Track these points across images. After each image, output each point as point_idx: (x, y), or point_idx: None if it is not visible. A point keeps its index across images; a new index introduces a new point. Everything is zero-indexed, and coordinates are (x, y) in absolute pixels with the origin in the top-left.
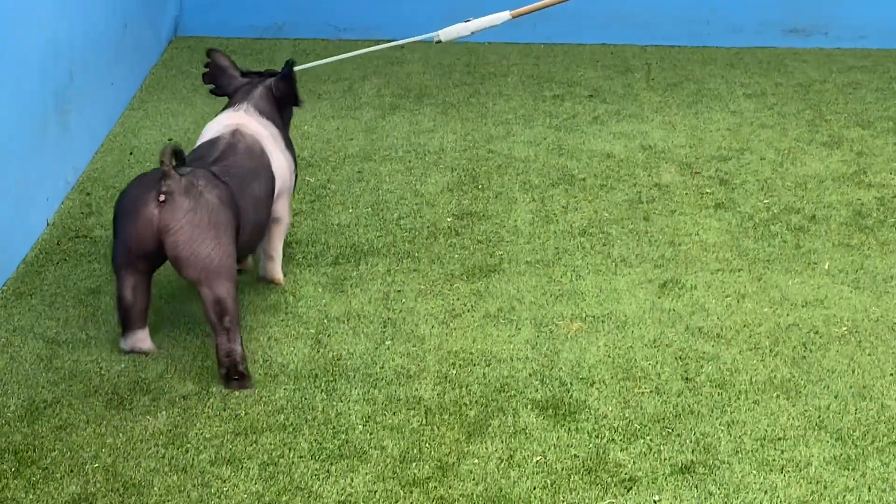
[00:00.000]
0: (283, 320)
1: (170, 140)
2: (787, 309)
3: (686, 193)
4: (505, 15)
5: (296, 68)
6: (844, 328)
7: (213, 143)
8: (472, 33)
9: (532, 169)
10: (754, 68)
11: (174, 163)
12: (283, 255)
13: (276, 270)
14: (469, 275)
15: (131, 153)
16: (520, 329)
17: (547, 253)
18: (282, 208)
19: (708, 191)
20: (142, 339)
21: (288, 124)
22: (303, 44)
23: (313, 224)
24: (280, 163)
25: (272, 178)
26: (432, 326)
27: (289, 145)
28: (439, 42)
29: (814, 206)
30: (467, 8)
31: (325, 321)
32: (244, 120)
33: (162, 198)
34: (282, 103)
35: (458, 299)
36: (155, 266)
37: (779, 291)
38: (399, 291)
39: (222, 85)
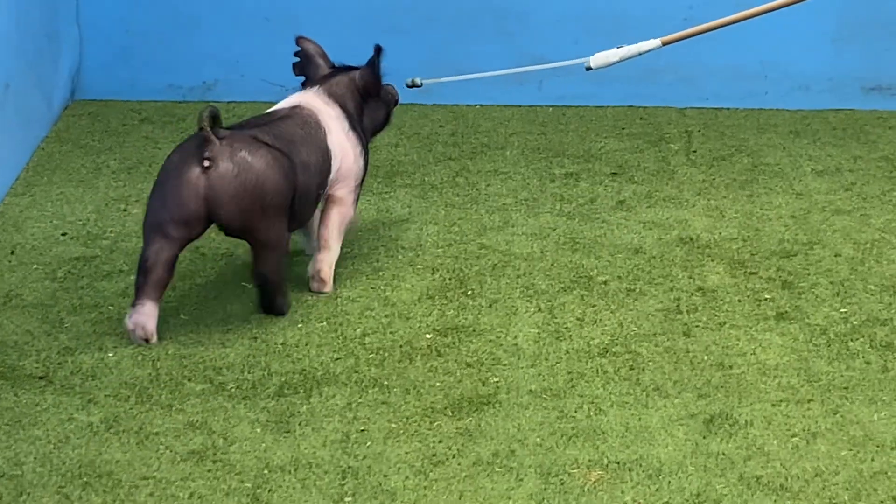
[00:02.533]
0: (209, 470)
1: (208, 107)
2: (872, 452)
3: (739, 300)
4: (655, 42)
5: (425, 82)
6: None
7: (267, 113)
8: (622, 60)
9: (537, 269)
10: (826, 137)
11: (213, 127)
12: (213, 383)
13: (327, 267)
14: (455, 409)
15: (13, 252)
16: (521, 480)
17: (557, 379)
18: (343, 191)
19: (767, 297)
20: (149, 314)
21: (376, 126)
22: (238, 108)
23: (250, 343)
24: (341, 141)
25: (327, 152)
26: (406, 478)
27: (361, 140)
28: (589, 69)
29: None
30: (419, 68)
31: (266, 471)
32: (308, 98)
33: (206, 164)
34: (365, 95)
35: (440, 441)
36: (188, 238)
37: (861, 429)
38: (363, 431)
39: (309, 75)
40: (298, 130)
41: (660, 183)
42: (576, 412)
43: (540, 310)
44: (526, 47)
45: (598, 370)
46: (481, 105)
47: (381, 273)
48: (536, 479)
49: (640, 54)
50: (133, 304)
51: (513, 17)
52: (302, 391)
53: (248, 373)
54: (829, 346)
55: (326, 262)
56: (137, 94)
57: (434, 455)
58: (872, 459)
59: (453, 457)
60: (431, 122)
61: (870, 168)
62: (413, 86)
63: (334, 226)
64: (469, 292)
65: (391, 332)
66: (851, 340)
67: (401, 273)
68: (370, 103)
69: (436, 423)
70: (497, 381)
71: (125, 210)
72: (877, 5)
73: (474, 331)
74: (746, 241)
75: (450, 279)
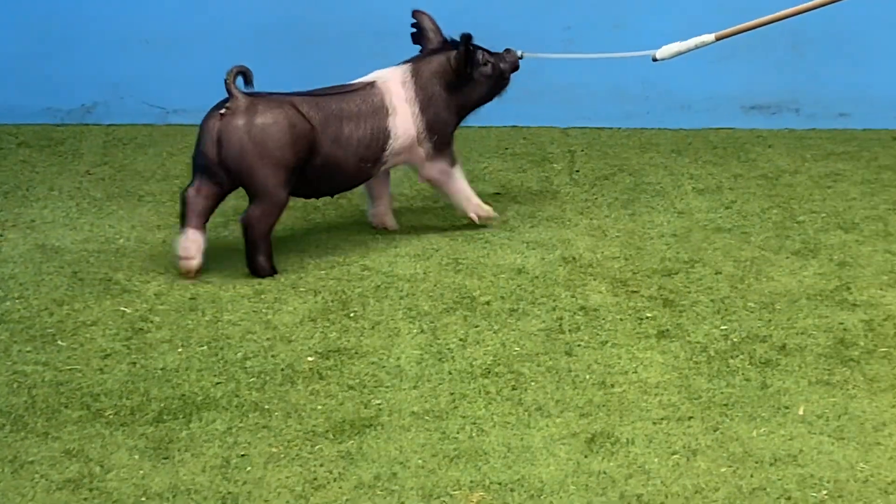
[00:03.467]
0: (86, 499)
1: (236, 66)
2: (751, 468)
3: (621, 319)
4: (710, 37)
5: (525, 55)
6: (825, 492)
7: (339, 84)
8: (680, 53)
9: (420, 290)
10: (707, 156)
11: (235, 83)
12: (91, 410)
13: (470, 212)
14: (336, 432)
15: None
16: (403, 503)
17: (439, 401)
18: (423, 156)
19: (648, 315)
20: (193, 239)
21: (477, 100)
22: (119, 130)
23: (129, 369)
24: (406, 121)
25: (384, 130)
26: (287, 502)
27: (429, 121)
28: (655, 60)
29: (784, 333)
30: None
31: (144, 499)
32: (388, 76)
33: (223, 111)
34: (459, 75)
35: (321, 465)
36: (221, 181)
37: (740, 445)
38: (243, 456)
39: (422, 48)
40: (352, 106)
41: (543, 203)
42: (458, 433)
43: (423, 331)
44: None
45: (480, 391)
46: None
47: (262, 296)
48: (418, 501)
49: (696, 48)
50: (179, 233)
51: (392, 36)
52: (181, 416)
53: (127, 399)
54: (710, 363)
55: (469, 208)
56: (14, 117)
57: (315, 479)
58: (751, 475)
59: (334, 480)
60: None
61: (749, 186)
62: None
63: (454, 188)
64: (352, 314)
65: (273, 356)
66: (731, 357)
67: (283, 296)
68: (470, 80)
69: (317, 447)
70: (379, 404)
71: (1, 235)
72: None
73: (357, 353)
74: (628, 259)
75: (332, 301)
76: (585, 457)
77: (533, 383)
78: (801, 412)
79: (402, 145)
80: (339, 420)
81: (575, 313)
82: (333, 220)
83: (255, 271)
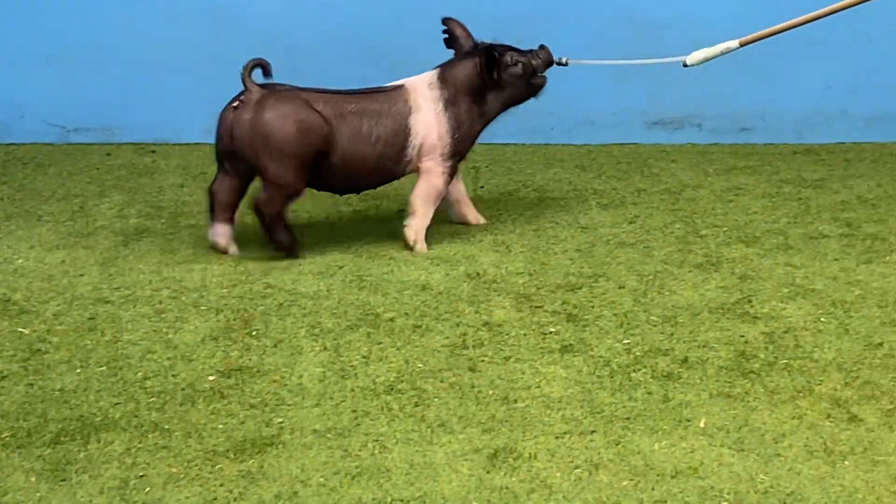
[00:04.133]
0: None
1: (252, 59)
2: (653, 481)
3: (524, 334)
4: (734, 43)
5: (571, 62)
6: (725, 503)
7: (368, 87)
8: (707, 59)
9: (324, 308)
10: (611, 171)
11: (251, 75)
12: None
13: (411, 231)
14: (238, 451)
15: None
16: None
17: (342, 418)
18: (430, 163)
19: (552, 330)
20: (220, 232)
21: (509, 100)
22: (18, 150)
23: (26, 391)
24: (427, 119)
25: (405, 128)
26: None
27: (456, 120)
28: (686, 66)
29: (686, 347)
30: (206, 107)
31: None
32: (417, 79)
33: (236, 104)
34: (488, 78)
35: (221, 485)
36: (236, 169)
37: (642, 458)
38: (142, 477)
39: (455, 53)
40: (375, 105)
41: (446, 218)
42: (360, 451)
43: (325, 348)
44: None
45: (383, 407)
46: None
47: (163, 315)
48: None
49: (722, 53)
50: (209, 226)
51: (298, 54)
52: (79, 438)
53: (24, 420)
54: (612, 377)
55: (412, 226)
56: None
57: (215, 499)
58: (653, 489)
59: (235, 500)
60: None
61: (653, 201)
62: (560, 63)
63: (421, 193)
64: (254, 332)
65: (173, 375)
66: (634, 371)
67: (184, 314)
68: (497, 83)
69: (218, 466)
70: (281, 422)
71: None
72: (658, 43)
73: (258, 371)
74: (532, 274)
75: (234, 319)
76: (488, 472)
77: (436, 399)
78: (702, 424)
79: (424, 144)
80: (240, 439)
81: (479, 329)
82: (237, 238)
83: (279, 248)
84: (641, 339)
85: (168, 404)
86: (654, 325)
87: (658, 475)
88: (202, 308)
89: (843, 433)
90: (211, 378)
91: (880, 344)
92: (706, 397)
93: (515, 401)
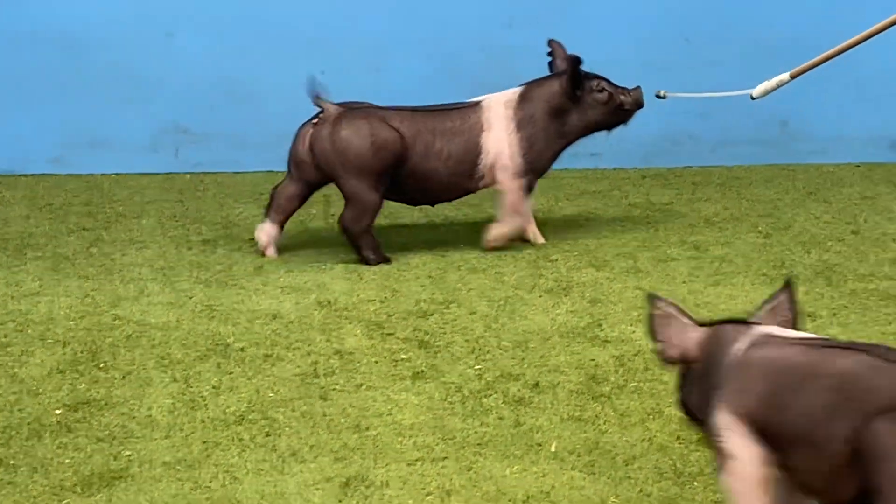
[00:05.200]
0: None
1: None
2: None
3: (376, 362)
4: (785, 76)
5: (668, 95)
6: None
7: (448, 103)
8: (766, 93)
9: (173, 339)
10: (465, 198)
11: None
12: None
13: (491, 235)
14: (85, 485)
15: None
16: None
17: (192, 449)
18: (506, 183)
19: (404, 357)
20: (267, 231)
21: (589, 124)
22: None
23: None
24: (499, 138)
25: (476, 145)
26: None
27: (528, 139)
28: (753, 99)
29: (537, 371)
30: (55, 136)
31: None
32: (496, 97)
33: (315, 121)
34: (570, 98)
35: None
36: (305, 178)
37: (494, 484)
38: None
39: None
40: (448, 123)
41: (298, 247)
42: (210, 482)
43: (175, 379)
44: (162, 113)
45: (234, 438)
46: (117, 174)
47: (9, 349)
48: None
49: (777, 86)
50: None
51: (148, 83)
52: None
53: None
54: (464, 403)
55: (493, 230)
56: None
57: None
58: None
59: None
60: (65, 192)
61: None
62: (658, 97)
63: (504, 207)
64: (102, 365)
65: (19, 410)
66: (485, 397)
67: (30, 348)
68: (581, 103)
69: (65, 501)
70: (129, 455)
71: None
72: (508, 68)
73: (107, 404)
74: (384, 302)
75: (82, 352)
76: (340, 501)
77: (287, 429)
78: (553, 448)
79: (497, 162)
80: (88, 473)
81: (330, 357)
82: (84, 271)
83: (366, 262)
84: (493, 365)
85: (13, 439)
86: (506, 351)
87: (510, 500)
88: (48, 341)
89: (692, 454)
90: (58, 412)
91: None
92: (557, 421)
93: (367, 428)
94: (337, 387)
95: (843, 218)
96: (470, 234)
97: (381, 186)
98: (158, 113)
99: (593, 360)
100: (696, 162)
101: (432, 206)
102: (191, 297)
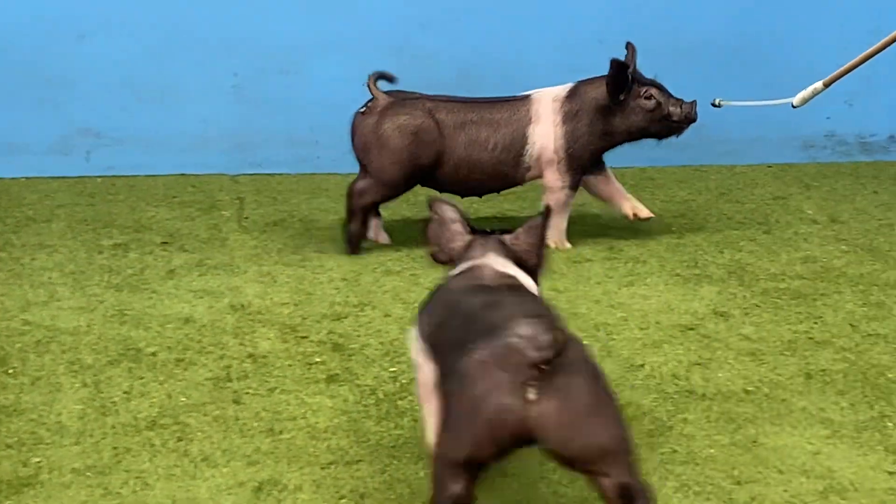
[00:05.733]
0: None
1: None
2: None
3: (290, 365)
4: (819, 85)
5: (724, 104)
6: None
7: (498, 97)
8: (810, 98)
9: (84, 344)
10: None
11: (376, 84)
12: None
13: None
14: None
15: None
16: None
17: (102, 455)
18: (550, 178)
19: (318, 360)
20: (374, 227)
21: (631, 129)
22: None
23: None
24: (545, 131)
25: (522, 137)
26: None
27: (573, 134)
28: (794, 108)
29: None
30: None
31: None
32: (547, 91)
33: (364, 109)
34: (614, 99)
35: None
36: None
37: (408, 487)
38: None
39: None
40: (496, 114)
41: (211, 250)
42: (121, 488)
43: (85, 385)
44: (73, 116)
45: (145, 443)
46: (26, 178)
47: None
48: None
49: (813, 95)
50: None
51: (59, 86)
52: None
53: None
54: (379, 406)
55: (551, 236)
56: None
57: None
58: None
59: None
60: None
61: (419, 228)
62: (714, 105)
63: (553, 210)
64: (10, 371)
65: None
66: (400, 399)
67: None
68: (625, 107)
69: None
70: (39, 462)
71: None
72: (425, 71)
73: (15, 410)
74: (298, 305)
75: None
76: None
77: (199, 433)
78: None
79: (542, 153)
80: None
81: (243, 361)
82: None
83: (347, 236)
84: (408, 367)
85: None
86: None
87: (424, 503)
88: None
89: None
90: None
91: (641, 365)
92: None
93: (281, 432)
94: (250, 391)
95: (755, 218)
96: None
97: (408, 178)
98: (69, 116)
99: None
100: (611, 163)
101: (479, 196)
102: (102, 302)
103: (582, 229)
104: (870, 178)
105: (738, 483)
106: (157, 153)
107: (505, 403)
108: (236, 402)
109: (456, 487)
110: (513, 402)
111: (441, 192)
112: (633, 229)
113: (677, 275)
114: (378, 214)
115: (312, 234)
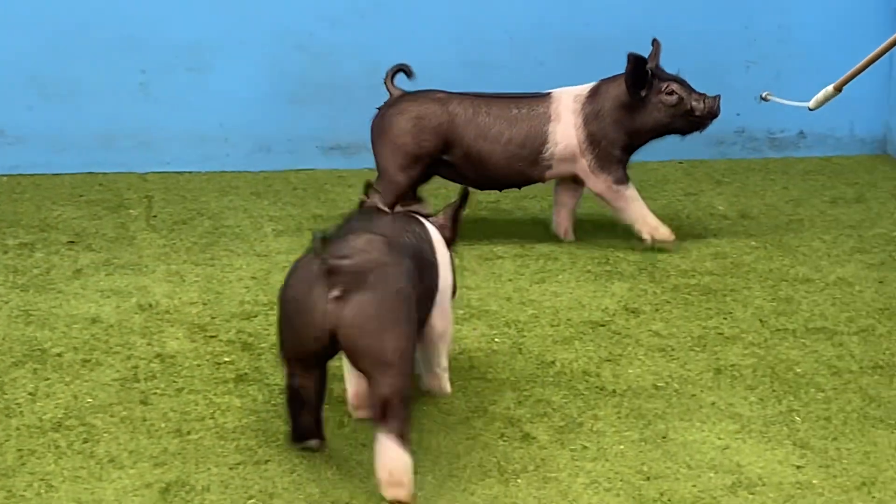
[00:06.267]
0: None
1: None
2: None
3: (198, 365)
4: (830, 88)
5: (773, 99)
6: None
7: (520, 93)
8: (824, 102)
9: None
10: (287, 197)
11: (393, 80)
12: None
13: (643, 234)
14: None
15: None
16: None
17: (6, 458)
18: (591, 183)
19: (227, 359)
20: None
21: (648, 126)
22: None
23: None
24: (566, 129)
25: (542, 134)
26: None
27: (592, 133)
28: (811, 110)
29: None
30: None
31: None
32: (568, 90)
33: (381, 106)
34: (633, 95)
35: None
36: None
37: (317, 486)
38: None
39: None
40: (514, 110)
41: (119, 250)
42: (25, 491)
43: None
44: None
45: (50, 445)
46: None
47: None
48: None
49: (825, 98)
50: None
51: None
52: None
53: None
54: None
55: (641, 231)
56: None
57: None
58: None
59: None
60: None
61: (329, 226)
62: (762, 99)
63: (614, 208)
64: None
65: None
66: None
67: None
68: (647, 104)
69: None
70: None
71: None
72: (333, 68)
73: None
74: (207, 304)
75: None
76: None
77: (106, 435)
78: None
79: (564, 153)
80: None
81: (151, 361)
82: None
83: None
84: None
85: None
86: None
87: (333, 502)
88: None
89: (515, 451)
90: None
91: (552, 362)
92: None
93: (189, 433)
94: (158, 391)
95: (666, 214)
96: (293, 235)
97: (415, 170)
98: None
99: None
100: None
101: (499, 190)
102: (7, 302)
103: (493, 227)
104: (780, 173)
105: (648, 479)
106: (62, 151)
107: (307, 303)
108: (144, 402)
109: (293, 381)
110: (313, 302)
111: (459, 182)
112: (545, 226)
113: (588, 271)
114: (419, 201)
115: (222, 233)
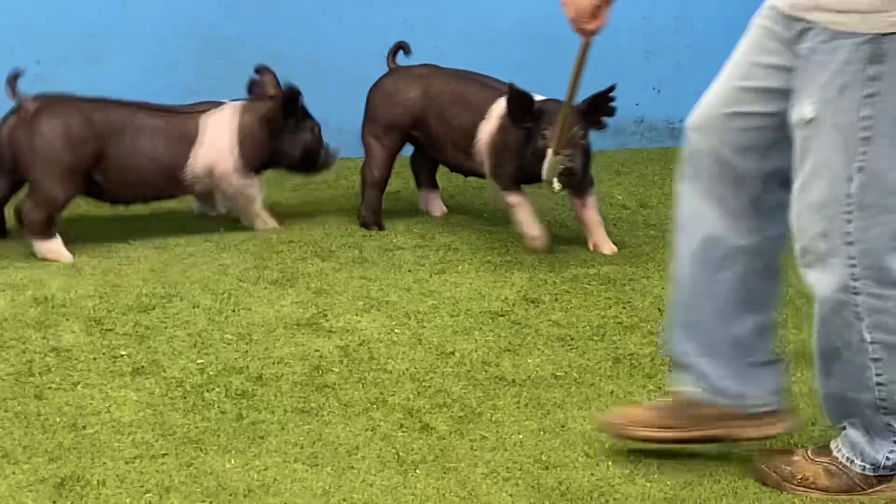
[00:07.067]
0: None
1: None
2: (226, 501)
3: (94, 358)
4: (550, 154)
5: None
6: None
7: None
8: None
9: None
10: None
11: (396, 58)
12: None
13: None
14: None
15: None
16: None
17: None
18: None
19: (123, 353)
20: (429, 199)
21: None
22: None
23: None
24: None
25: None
26: None
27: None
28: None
29: (261, 364)
30: None
31: None
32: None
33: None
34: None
35: None
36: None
37: (214, 479)
38: None
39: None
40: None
41: (13, 244)
42: None
43: None
44: None
45: None
46: None
47: None
48: None
49: (554, 168)
50: None
51: None
52: None
53: None
54: (185, 398)
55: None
56: None
57: None
58: None
59: None
60: None
61: (231, 218)
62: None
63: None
64: None
65: None
66: (207, 391)
67: None
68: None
69: None
70: None
71: None
72: (231, 59)
73: None
74: (103, 297)
75: None
76: (54, 502)
77: (0, 430)
78: (275, 442)
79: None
80: None
81: (46, 355)
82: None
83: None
84: (216, 359)
85: None
86: (229, 344)
87: (231, 495)
88: None
89: (415, 442)
90: None
91: (452, 352)
92: (281, 413)
93: (84, 427)
94: (53, 385)
95: (565, 204)
96: (193, 226)
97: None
98: None
99: (318, 350)
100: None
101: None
102: None
103: (393, 217)
104: (679, 163)
105: (547, 468)
106: None
107: None
108: (38, 397)
109: None
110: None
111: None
112: (445, 217)
113: (488, 262)
114: (436, 186)
115: (119, 225)
